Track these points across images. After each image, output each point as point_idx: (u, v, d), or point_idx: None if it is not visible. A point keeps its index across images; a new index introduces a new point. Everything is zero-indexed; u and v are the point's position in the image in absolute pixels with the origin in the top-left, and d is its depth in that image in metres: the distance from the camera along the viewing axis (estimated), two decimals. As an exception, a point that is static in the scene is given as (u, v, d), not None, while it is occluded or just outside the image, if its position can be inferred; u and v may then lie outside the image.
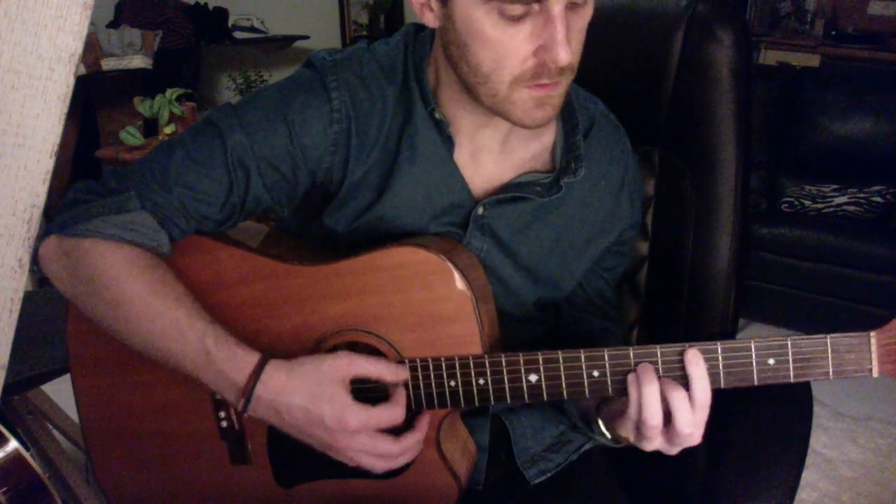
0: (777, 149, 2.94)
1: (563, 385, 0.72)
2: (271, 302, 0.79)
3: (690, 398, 0.68)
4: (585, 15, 0.70)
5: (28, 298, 0.85)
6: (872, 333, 0.65)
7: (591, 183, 0.86)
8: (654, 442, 0.70)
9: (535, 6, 0.66)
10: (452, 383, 0.74)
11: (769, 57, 4.12)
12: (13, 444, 0.81)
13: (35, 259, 0.79)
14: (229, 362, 0.72)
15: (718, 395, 0.72)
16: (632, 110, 0.95)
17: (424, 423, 0.76)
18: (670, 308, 1.02)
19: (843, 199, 2.71)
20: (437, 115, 0.79)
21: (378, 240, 0.80)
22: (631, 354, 0.70)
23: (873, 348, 0.66)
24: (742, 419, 0.93)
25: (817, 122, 2.85)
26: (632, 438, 0.73)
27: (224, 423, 0.81)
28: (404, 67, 0.82)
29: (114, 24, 3.31)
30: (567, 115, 0.85)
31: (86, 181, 0.79)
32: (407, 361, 0.75)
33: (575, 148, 0.83)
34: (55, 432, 1.62)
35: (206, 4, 3.75)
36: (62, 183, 2.89)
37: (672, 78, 0.98)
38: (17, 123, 0.71)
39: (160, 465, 0.85)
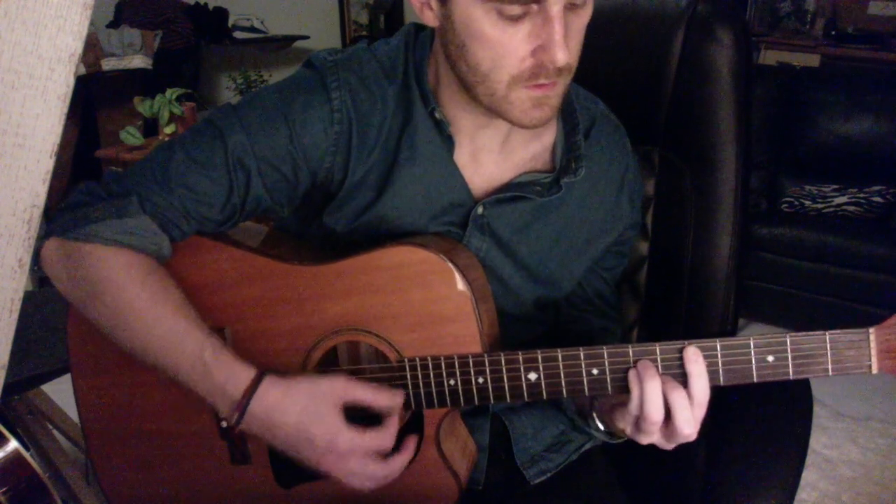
0: (777, 149, 2.93)
1: (563, 383, 0.72)
2: (271, 302, 0.79)
3: (689, 395, 0.68)
4: (584, 15, 0.70)
5: (28, 298, 0.85)
6: (871, 330, 0.66)
7: (591, 183, 0.86)
8: (653, 437, 0.71)
9: (534, 6, 0.66)
10: (452, 382, 0.74)
11: (769, 57, 4.12)
12: (13, 444, 0.81)
13: (35, 259, 0.79)
14: (225, 375, 0.73)
15: (718, 396, 0.72)
16: (632, 110, 0.96)
17: (412, 444, 0.77)
18: (670, 308, 1.02)
19: (843, 199, 2.71)
20: (437, 115, 0.79)
21: (378, 239, 0.80)
22: (630, 352, 0.70)
23: (872, 345, 0.66)
24: (742, 419, 0.93)
25: (817, 122, 2.85)
26: (629, 431, 0.73)
27: (224, 424, 0.81)
28: (404, 67, 0.82)
29: (114, 24, 3.31)
30: (567, 115, 0.85)
31: (87, 183, 0.79)
32: (406, 360, 0.75)
33: (575, 148, 0.83)
34: (55, 432, 1.62)
35: (206, 4, 3.75)
36: (62, 183, 2.89)
37: (672, 78, 0.98)
38: (17, 123, 0.71)
39: (160, 465, 0.85)
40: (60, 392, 1.51)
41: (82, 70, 2.79)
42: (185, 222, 0.78)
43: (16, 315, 0.77)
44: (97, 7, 0.75)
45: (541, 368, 0.72)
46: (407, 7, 4.70)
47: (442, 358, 0.74)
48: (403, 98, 0.81)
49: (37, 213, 0.76)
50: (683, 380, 0.68)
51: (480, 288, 0.76)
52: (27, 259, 0.77)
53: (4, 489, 0.79)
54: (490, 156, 0.84)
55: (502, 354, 0.73)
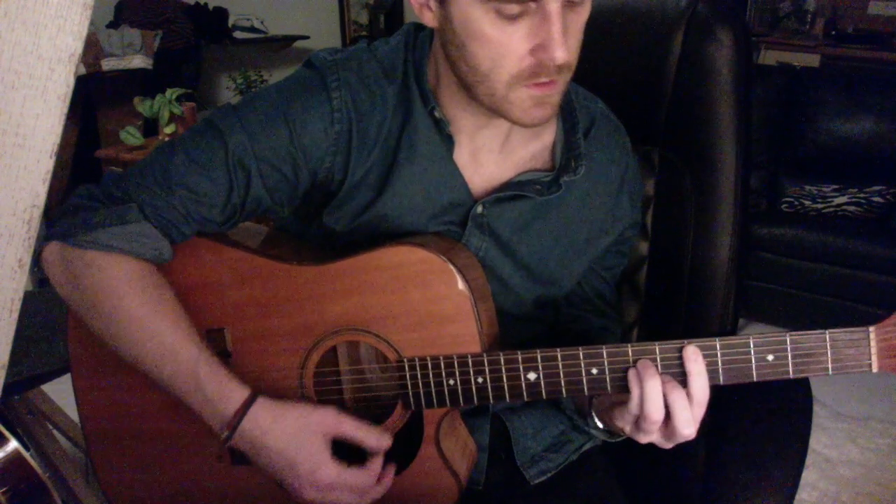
0: (777, 149, 2.93)
1: (562, 383, 0.72)
2: (271, 302, 0.79)
3: (689, 395, 0.68)
4: (583, 13, 0.70)
5: (28, 298, 0.85)
6: (871, 328, 0.66)
7: (591, 182, 0.86)
8: (652, 436, 0.71)
9: (532, 5, 0.66)
10: (451, 382, 0.74)
11: (769, 57, 4.12)
12: (13, 444, 0.81)
13: (35, 259, 0.79)
14: (219, 393, 0.74)
15: (718, 395, 0.72)
16: (632, 110, 0.96)
17: (390, 473, 0.77)
18: (670, 308, 1.02)
19: (843, 199, 2.71)
20: (436, 115, 0.79)
21: (377, 239, 0.80)
22: (629, 351, 0.70)
23: (872, 343, 0.66)
24: (742, 419, 0.93)
25: (817, 122, 2.85)
26: (628, 430, 0.73)
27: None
28: (404, 67, 0.82)
29: (114, 24, 3.31)
30: (567, 115, 0.85)
31: (87, 186, 0.79)
32: (406, 360, 0.75)
33: (575, 147, 0.83)
34: (55, 432, 1.62)
35: (206, 4, 3.75)
36: (62, 183, 2.89)
37: (672, 78, 0.98)
38: (17, 123, 0.71)
39: (160, 465, 0.85)
40: (60, 392, 1.51)
41: (82, 70, 2.79)
42: (185, 224, 0.78)
43: (16, 315, 0.77)
44: (97, 7, 0.75)
45: (540, 368, 0.72)
46: (407, 7, 4.70)
47: (441, 358, 0.74)
48: (403, 98, 0.81)
49: (37, 213, 0.76)
50: (683, 379, 0.68)
51: (480, 287, 0.76)
52: (27, 259, 0.77)
53: (4, 489, 0.79)
54: (490, 155, 0.84)
55: (501, 354, 0.73)
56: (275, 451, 0.73)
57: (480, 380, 0.74)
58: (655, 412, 0.68)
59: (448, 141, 0.81)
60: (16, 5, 0.68)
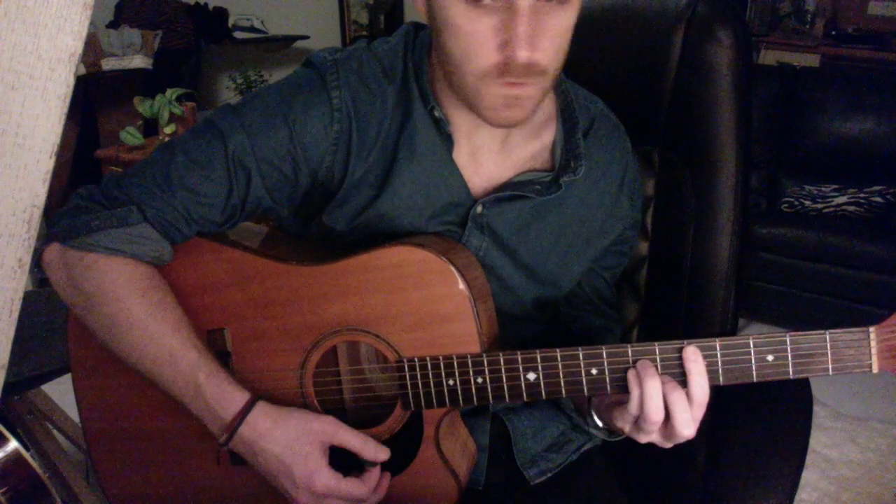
0: (777, 149, 2.94)
1: (562, 383, 0.72)
2: (270, 302, 0.79)
3: (689, 395, 0.68)
4: (565, 16, 0.68)
5: (28, 298, 0.85)
6: (872, 329, 0.65)
7: (590, 182, 0.86)
8: (651, 436, 0.71)
9: None
10: (451, 382, 0.74)
11: (769, 57, 4.11)
12: (13, 444, 0.81)
13: (36, 259, 0.79)
14: (218, 397, 0.74)
15: (718, 395, 0.72)
16: (632, 110, 0.96)
17: (386, 483, 0.78)
18: (670, 308, 1.02)
19: (843, 199, 2.71)
20: (436, 114, 0.79)
21: (377, 239, 0.80)
22: (629, 352, 0.70)
23: (873, 344, 0.66)
24: (742, 419, 0.93)
25: (817, 122, 2.85)
26: (627, 430, 0.73)
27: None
28: (404, 66, 0.82)
29: (114, 24, 3.31)
30: (567, 115, 0.85)
31: (88, 187, 0.80)
32: (406, 360, 0.75)
33: (575, 147, 0.83)
34: (55, 432, 1.62)
35: (206, 4, 3.75)
36: (62, 183, 2.89)
37: (672, 78, 0.97)
38: (17, 123, 0.71)
39: (161, 465, 0.85)
40: (60, 392, 1.51)
41: (82, 70, 2.79)
42: (186, 224, 0.78)
43: (16, 315, 0.77)
44: (97, 7, 0.75)
45: (539, 368, 0.72)
46: (407, 7, 4.70)
47: (441, 358, 0.74)
48: (403, 97, 0.81)
49: (37, 213, 0.76)
50: (683, 380, 0.68)
51: (479, 287, 0.76)
52: (27, 259, 0.77)
53: (4, 489, 0.79)
54: (489, 155, 0.84)
55: (501, 354, 0.73)
56: (272, 456, 0.74)
57: (480, 380, 0.74)
58: (655, 413, 0.68)
59: (448, 140, 0.81)
60: (16, 5, 0.68)
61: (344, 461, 0.75)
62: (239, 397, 0.75)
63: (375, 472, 0.76)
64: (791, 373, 0.67)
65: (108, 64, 2.97)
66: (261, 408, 0.75)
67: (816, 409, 1.53)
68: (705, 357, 0.68)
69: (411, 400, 0.76)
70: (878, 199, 2.67)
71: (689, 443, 0.70)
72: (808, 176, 2.86)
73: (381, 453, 0.76)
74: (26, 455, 0.81)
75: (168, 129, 2.61)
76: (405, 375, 0.76)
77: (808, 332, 0.66)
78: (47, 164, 0.76)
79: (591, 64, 1.01)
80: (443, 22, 0.70)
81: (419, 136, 0.80)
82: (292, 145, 0.78)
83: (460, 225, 0.83)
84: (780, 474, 0.87)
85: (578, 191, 0.86)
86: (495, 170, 0.84)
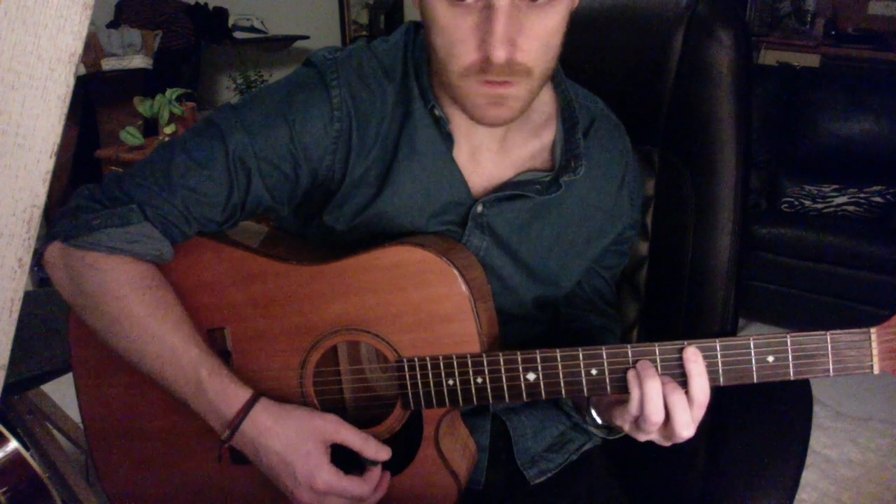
0: (777, 149, 2.94)
1: (562, 384, 0.72)
2: (270, 301, 0.79)
3: (689, 396, 0.68)
4: (547, 16, 0.68)
5: (28, 298, 0.85)
6: (873, 330, 0.65)
7: (590, 182, 0.86)
8: (651, 436, 0.71)
9: None
10: (451, 382, 0.74)
11: (769, 57, 4.11)
12: (13, 444, 0.81)
13: (36, 259, 0.79)
14: (220, 394, 0.74)
15: (718, 395, 0.72)
16: (632, 110, 0.96)
17: (386, 482, 0.78)
18: (670, 308, 1.02)
19: (843, 199, 2.71)
20: (436, 112, 0.79)
21: (377, 238, 0.80)
22: (629, 352, 0.70)
23: (874, 345, 0.65)
24: (742, 419, 0.93)
25: (817, 122, 2.85)
26: (627, 429, 0.73)
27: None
28: (403, 65, 0.82)
29: (114, 24, 3.31)
30: (567, 114, 0.85)
31: (88, 186, 0.80)
32: (405, 360, 0.75)
33: (575, 146, 0.83)
34: (55, 432, 1.62)
35: (206, 4, 3.75)
36: (62, 183, 2.89)
37: (672, 78, 0.98)
38: (17, 123, 0.71)
39: (162, 464, 0.85)
40: (60, 392, 1.51)
41: (82, 70, 2.79)
42: (186, 224, 0.78)
43: (16, 315, 0.77)
44: (97, 7, 0.75)
45: (539, 369, 0.72)
46: (407, 7, 4.70)
47: (440, 358, 0.74)
48: (403, 95, 0.81)
49: (37, 213, 0.76)
50: (683, 380, 0.68)
51: (479, 287, 0.76)
52: (27, 259, 0.77)
53: (4, 489, 0.79)
54: (488, 154, 0.84)
55: (500, 354, 0.73)
56: (273, 453, 0.74)
57: (479, 380, 0.74)
58: (655, 414, 0.68)
59: (448, 139, 0.81)
60: (16, 5, 0.68)
61: (345, 460, 0.75)
62: (241, 394, 0.75)
63: (376, 471, 0.76)
64: (792, 374, 0.67)
65: (108, 64, 2.97)
66: (263, 405, 0.75)
67: (816, 409, 1.53)
68: (705, 358, 0.68)
69: (411, 400, 0.76)
70: (878, 199, 2.67)
71: (689, 443, 0.70)
72: (808, 176, 2.86)
73: (383, 452, 0.76)
74: (26, 455, 0.81)
75: (168, 129, 2.61)
76: (405, 375, 0.76)
77: (808, 333, 0.66)
78: (47, 164, 0.76)
79: (591, 64, 1.01)
80: (429, 20, 0.71)
81: (419, 134, 0.80)
82: (292, 144, 0.78)
83: (460, 224, 0.83)
84: (780, 474, 0.87)
85: (578, 190, 0.86)
86: (495, 169, 0.84)
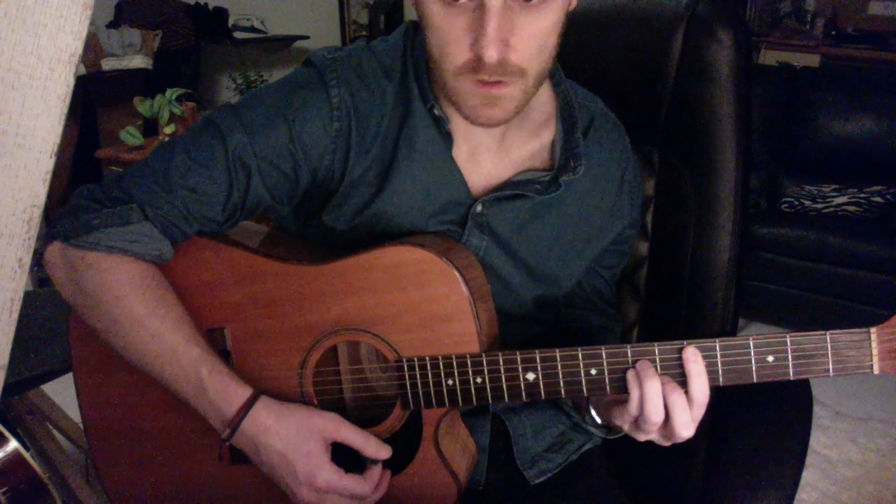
0: (777, 149, 2.94)
1: (561, 384, 0.72)
2: (270, 301, 0.79)
3: (688, 396, 0.68)
4: (540, 17, 0.68)
5: (28, 298, 0.85)
6: (873, 330, 0.65)
7: (590, 181, 0.86)
8: (651, 436, 0.71)
9: None
10: (450, 382, 0.74)
11: (769, 57, 4.11)
12: (13, 444, 0.81)
13: (36, 259, 0.79)
14: (220, 393, 0.74)
15: (718, 395, 0.72)
16: (632, 110, 0.96)
17: (386, 481, 0.78)
18: (670, 308, 1.02)
19: (843, 199, 2.72)
20: (435, 112, 0.79)
21: (377, 238, 0.80)
22: (629, 352, 0.70)
23: (874, 345, 0.65)
24: (742, 419, 0.93)
25: (817, 122, 2.86)
26: (626, 429, 0.73)
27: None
28: (403, 64, 0.82)
29: (114, 24, 3.31)
30: (566, 114, 0.85)
31: (88, 186, 0.80)
32: (405, 360, 0.75)
33: (574, 146, 0.83)
34: (55, 432, 1.62)
35: (206, 4, 3.75)
36: (62, 183, 2.89)
37: (672, 78, 0.98)
38: (17, 123, 0.71)
39: (162, 464, 0.85)
40: (60, 392, 1.51)
41: (82, 70, 2.78)
42: (186, 224, 0.78)
43: (16, 315, 0.77)
44: (97, 7, 0.75)
45: (539, 369, 0.72)
46: (407, 7, 4.70)
47: (440, 358, 0.74)
48: (402, 95, 0.81)
49: (37, 213, 0.76)
50: (682, 380, 0.68)
51: (479, 287, 0.76)
52: (27, 259, 0.77)
53: (4, 489, 0.79)
54: (487, 154, 0.84)
55: (500, 354, 0.73)
56: (274, 452, 0.74)
57: (479, 380, 0.74)
58: (655, 414, 0.68)
59: (447, 138, 0.81)
60: (16, 5, 0.68)
61: (345, 459, 0.75)
62: (241, 392, 0.75)
63: (377, 469, 0.76)
64: (791, 374, 0.67)
65: (108, 64, 2.97)
66: (263, 403, 0.75)
67: (816, 409, 1.53)
68: (705, 358, 0.68)
69: (410, 400, 0.76)
70: (878, 199, 2.67)
71: (688, 443, 0.70)
72: (808, 176, 2.86)
73: (383, 451, 0.76)
74: (26, 455, 0.81)
75: (168, 129, 2.61)
76: (404, 375, 0.76)
77: (808, 333, 0.66)
78: (47, 164, 0.76)
79: (591, 64, 1.01)
80: (424, 20, 0.71)
81: (419, 134, 0.80)
82: (292, 144, 0.78)
83: (460, 224, 0.83)
84: (780, 474, 0.87)
85: (578, 190, 0.86)
86: (494, 169, 0.84)
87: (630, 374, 0.69)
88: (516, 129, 0.83)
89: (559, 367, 0.71)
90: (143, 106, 2.60)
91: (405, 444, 0.78)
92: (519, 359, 0.72)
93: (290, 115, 0.77)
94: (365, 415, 0.80)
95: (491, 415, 0.92)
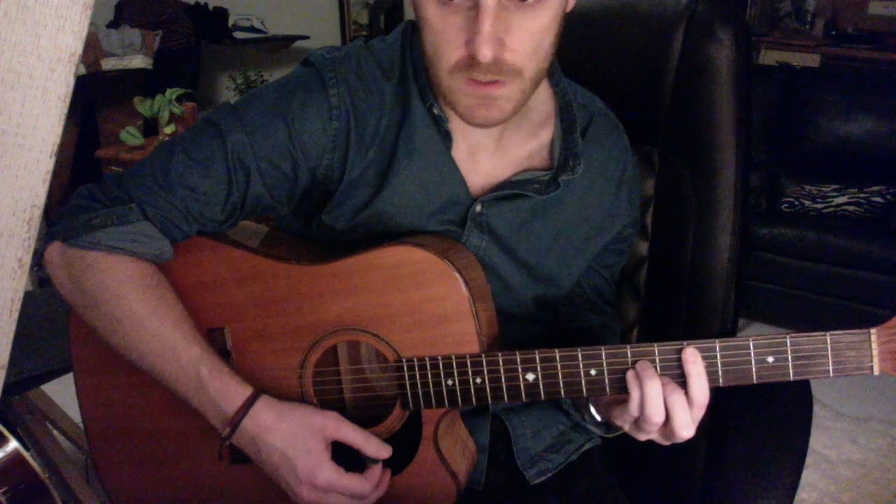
0: (777, 149, 2.94)
1: (561, 384, 0.72)
2: (270, 301, 0.79)
3: (688, 397, 0.68)
4: (536, 16, 0.68)
5: (28, 298, 0.85)
6: (873, 330, 0.65)
7: (589, 181, 0.86)
8: (651, 435, 0.71)
9: None
10: (450, 382, 0.74)
11: (769, 57, 4.12)
12: (13, 444, 0.81)
13: (36, 259, 0.79)
14: (220, 392, 0.74)
15: (718, 396, 0.72)
16: (632, 110, 0.96)
17: (386, 480, 0.78)
18: (670, 308, 1.02)
19: (843, 199, 2.71)
20: (435, 111, 0.79)
21: (377, 238, 0.80)
22: (628, 353, 0.70)
23: (874, 345, 0.65)
24: (742, 419, 0.93)
25: (817, 122, 2.85)
26: (627, 428, 0.73)
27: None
28: (402, 64, 0.82)
29: (114, 24, 3.31)
30: (565, 114, 0.85)
31: (88, 186, 0.80)
32: (405, 360, 0.75)
33: (573, 146, 0.83)
34: (55, 432, 1.62)
35: (206, 4, 3.75)
36: (62, 183, 2.89)
37: (672, 78, 0.98)
38: (17, 123, 0.71)
39: (162, 464, 0.85)
40: (60, 392, 1.51)
41: (82, 70, 2.78)
42: (186, 223, 0.78)
43: (16, 315, 0.77)
44: (97, 7, 0.75)
45: (538, 369, 0.72)
46: (407, 7, 4.70)
47: (440, 358, 0.74)
48: (401, 95, 0.81)
49: (37, 213, 0.76)
50: (682, 381, 0.68)
51: (479, 287, 0.76)
52: (27, 259, 0.77)
53: (4, 489, 0.79)
54: (486, 154, 0.84)
55: (500, 355, 0.73)
56: (274, 450, 0.74)
57: (479, 380, 0.74)
58: (656, 414, 0.68)
59: (447, 138, 0.81)
60: (16, 5, 0.68)
61: (345, 459, 0.75)
62: (241, 391, 0.75)
63: (377, 468, 0.76)
64: (791, 374, 0.67)
65: (108, 64, 2.97)
66: (263, 402, 0.75)
67: (816, 409, 1.53)
68: (705, 358, 0.68)
69: (410, 400, 0.76)
70: (878, 199, 2.67)
71: (689, 443, 0.70)
72: (808, 176, 2.86)
73: (384, 450, 0.76)
74: (26, 455, 0.81)
75: (168, 129, 2.61)
76: (404, 375, 0.76)
77: (808, 334, 0.66)
78: (47, 164, 0.76)
79: (591, 64, 1.01)
80: (420, 19, 0.71)
81: (418, 133, 0.80)
82: (291, 143, 0.78)
83: (460, 224, 0.83)
84: (780, 474, 0.87)
85: (577, 189, 0.86)
86: (493, 168, 0.84)
87: (630, 375, 0.69)
88: (515, 129, 0.83)
89: (559, 368, 0.71)
90: (143, 106, 2.60)
91: (405, 445, 0.78)
92: (518, 359, 0.72)
93: (290, 115, 0.77)
94: (365, 415, 0.80)
95: (491, 415, 0.92)
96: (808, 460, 0.90)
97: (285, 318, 0.79)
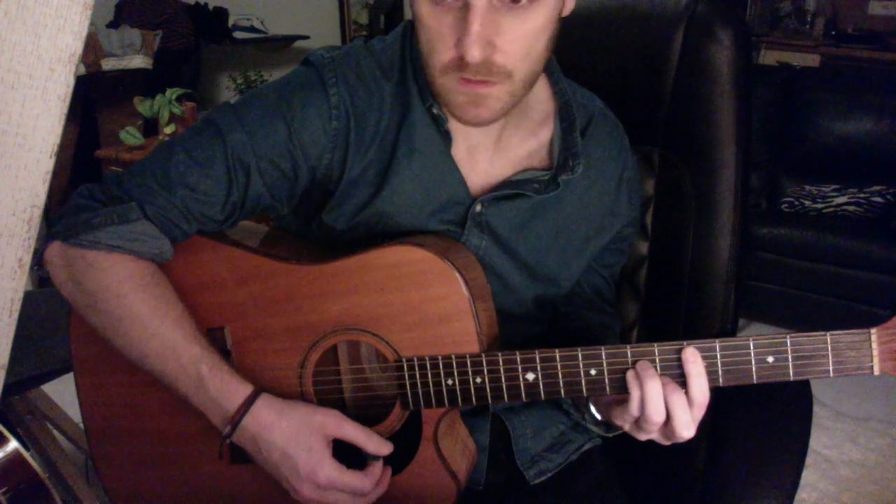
0: (777, 149, 2.93)
1: (561, 384, 0.72)
2: (270, 301, 0.79)
3: (688, 397, 0.68)
4: (527, 18, 0.68)
5: (28, 298, 0.85)
6: (873, 330, 0.65)
7: (589, 180, 0.86)
8: (651, 435, 0.71)
9: None
10: (450, 382, 0.74)
11: (769, 57, 4.12)
12: (13, 444, 0.81)
13: (36, 259, 0.80)
14: (221, 390, 0.74)
15: (718, 395, 0.72)
16: (632, 110, 0.96)
17: (387, 477, 0.78)
18: (670, 308, 1.02)
19: (843, 199, 2.71)
20: (434, 111, 0.79)
21: (377, 237, 0.80)
22: (629, 353, 0.70)
23: (874, 345, 0.65)
24: (742, 419, 0.93)
25: (817, 122, 2.85)
26: (627, 428, 0.73)
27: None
28: (401, 64, 0.82)
29: (114, 24, 3.31)
30: (564, 113, 0.85)
31: (88, 186, 0.80)
32: (405, 360, 0.75)
33: (572, 145, 0.83)
34: (55, 432, 1.62)
35: (206, 4, 3.75)
36: (62, 183, 2.89)
37: (672, 78, 0.98)
38: (17, 123, 0.71)
39: (162, 464, 0.85)
40: (60, 392, 1.51)
41: (82, 70, 2.78)
42: (186, 222, 0.78)
43: (16, 315, 0.77)
44: (97, 7, 0.75)
45: (538, 369, 0.72)
46: (407, 7, 4.70)
47: (440, 358, 0.74)
48: (401, 94, 0.81)
49: (37, 213, 0.77)
50: (682, 381, 0.68)
51: (479, 287, 0.76)
52: (27, 259, 0.77)
53: (4, 489, 0.79)
54: (485, 153, 0.84)
55: (500, 354, 0.73)
56: (275, 448, 0.74)
57: (479, 380, 0.74)
58: (656, 414, 0.68)
59: (446, 137, 0.81)
60: (16, 5, 0.68)
61: (345, 457, 0.75)
62: (242, 389, 0.75)
63: (378, 466, 0.76)
64: (791, 374, 0.67)
65: (108, 64, 2.97)
66: (264, 400, 0.75)
67: (816, 409, 1.53)
68: (705, 358, 0.68)
69: (410, 400, 0.76)
70: (878, 199, 2.67)
71: (689, 443, 0.70)
72: (808, 176, 2.86)
73: (384, 448, 0.76)
74: (26, 455, 0.81)
75: (168, 129, 2.61)
76: (404, 375, 0.76)
77: (808, 334, 0.66)
78: (47, 164, 0.76)
79: (591, 64, 1.01)
80: (415, 18, 0.72)
81: (418, 133, 0.80)
82: (291, 143, 0.78)
83: (459, 224, 0.83)
84: (780, 474, 0.87)
85: (577, 189, 0.86)
86: (492, 168, 0.84)
87: (630, 375, 0.69)
88: (514, 129, 0.83)
89: (559, 368, 0.71)
90: (143, 106, 2.60)
91: (405, 444, 0.78)
92: (518, 359, 0.72)
93: (289, 115, 0.77)
94: (364, 415, 0.80)
95: (491, 415, 0.92)
96: (808, 460, 0.90)
97: (285, 317, 0.79)
